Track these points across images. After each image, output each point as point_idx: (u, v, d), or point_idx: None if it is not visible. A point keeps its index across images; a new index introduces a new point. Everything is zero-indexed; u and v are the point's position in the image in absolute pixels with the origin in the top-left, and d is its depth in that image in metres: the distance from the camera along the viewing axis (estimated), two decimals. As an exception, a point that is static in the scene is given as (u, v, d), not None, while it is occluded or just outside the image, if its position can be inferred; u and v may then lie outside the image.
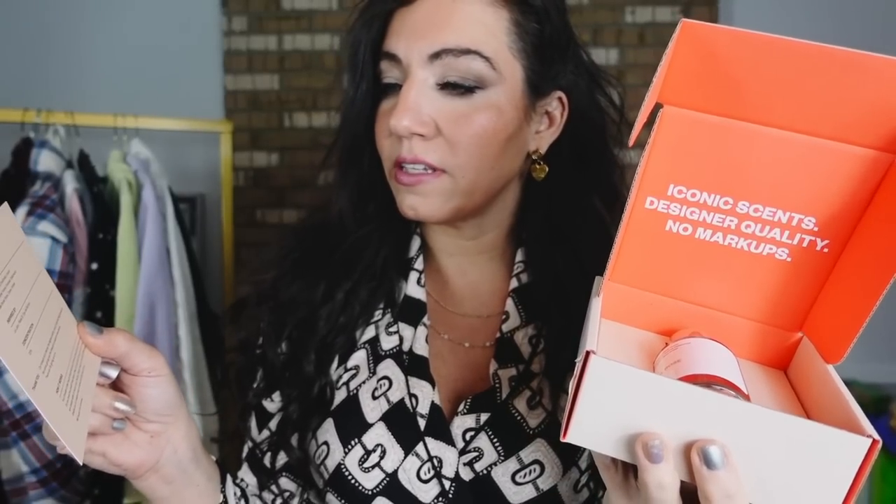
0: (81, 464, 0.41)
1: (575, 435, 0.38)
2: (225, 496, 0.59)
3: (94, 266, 1.53)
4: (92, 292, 1.53)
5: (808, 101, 0.37)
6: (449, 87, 0.56)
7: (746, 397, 0.37)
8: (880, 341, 2.14)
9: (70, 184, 1.52)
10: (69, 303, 1.48)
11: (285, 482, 0.68)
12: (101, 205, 1.58)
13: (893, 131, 0.36)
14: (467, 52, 0.55)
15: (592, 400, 0.37)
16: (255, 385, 0.69)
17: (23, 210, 1.42)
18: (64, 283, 1.45)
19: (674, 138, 0.40)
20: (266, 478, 0.67)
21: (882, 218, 0.38)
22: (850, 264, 0.40)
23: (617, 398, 0.36)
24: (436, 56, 0.55)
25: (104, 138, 1.67)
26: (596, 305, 0.45)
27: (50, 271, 1.41)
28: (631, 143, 0.41)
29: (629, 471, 0.41)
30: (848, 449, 0.33)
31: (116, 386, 0.48)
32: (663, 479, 0.35)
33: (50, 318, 0.42)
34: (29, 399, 1.34)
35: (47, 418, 0.37)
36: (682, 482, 0.37)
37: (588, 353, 0.36)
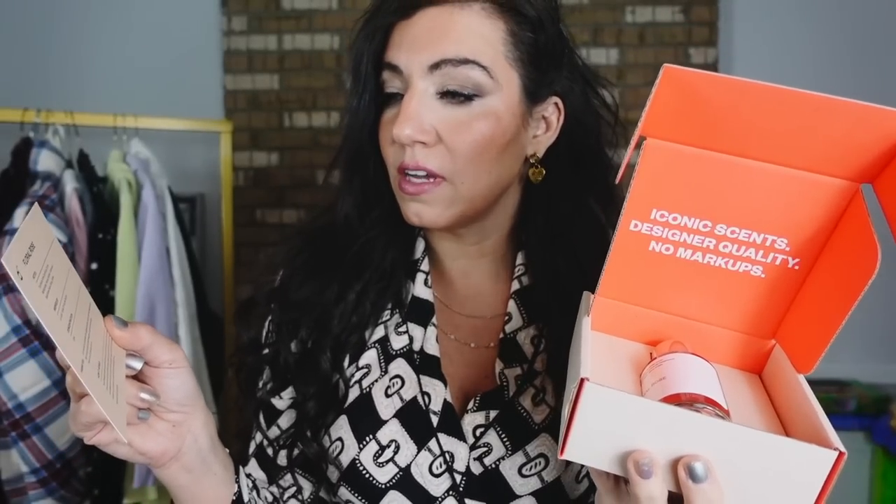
0: (126, 441, 0.45)
1: (572, 452, 0.41)
2: (239, 485, 0.61)
3: (94, 266, 1.53)
4: (92, 292, 1.51)
5: (781, 137, 0.41)
6: (448, 95, 0.58)
7: (726, 412, 0.40)
8: (880, 341, 2.14)
9: (70, 183, 1.52)
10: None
11: (296, 476, 0.69)
12: (101, 205, 1.58)
13: (858, 163, 0.40)
14: (465, 62, 0.57)
15: (587, 422, 0.40)
16: (262, 383, 0.71)
17: (22, 210, 1.42)
18: (64, 283, 1.44)
19: (656, 167, 0.44)
20: (275, 472, 0.69)
21: (848, 241, 0.42)
22: (820, 281, 0.44)
23: (609, 420, 0.40)
24: (435, 66, 0.57)
25: (104, 138, 1.68)
26: (586, 325, 0.48)
27: (50, 271, 1.41)
28: (618, 179, 0.44)
29: (620, 478, 0.44)
30: (816, 461, 0.37)
31: (139, 378, 0.50)
32: (653, 493, 0.39)
33: (83, 310, 0.45)
34: (29, 399, 1.35)
35: (96, 398, 0.40)
36: (669, 492, 0.40)
37: (582, 381, 0.39)
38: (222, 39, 2.23)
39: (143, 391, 0.49)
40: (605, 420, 0.39)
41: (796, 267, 0.45)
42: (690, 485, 0.38)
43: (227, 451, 0.62)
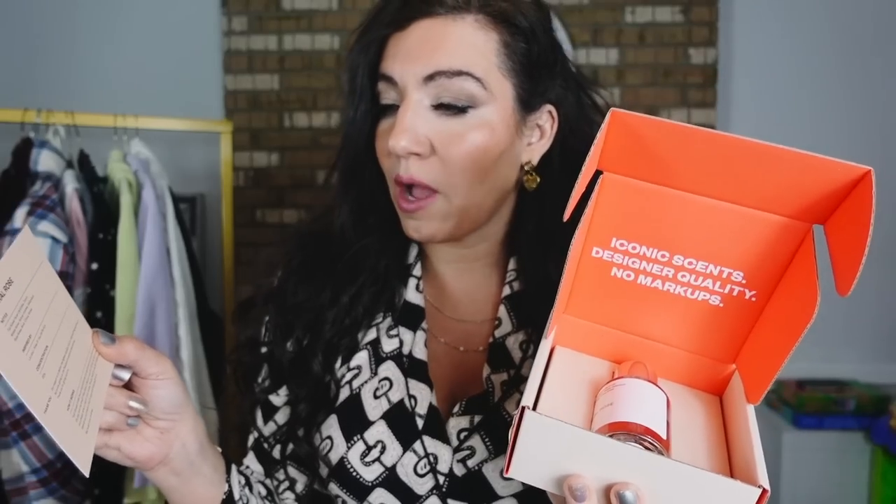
0: (88, 476, 0.44)
1: (515, 472, 0.43)
2: (230, 484, 0.64)
3: (94, 266, 1.53)
4: (92, 292, 1.53)
5: (730, 179, 0.42)
6: (443, 107, 0.59)
7: (665, 444, 0.42)
8: (880, 341, 2.14)
9: (70, 184, 1.52)
10: (69, 303, 1.48)
11: (290, 470, 0.72)
12: (101, 205, 1.58)
13: (806, 205, 0.41)
14: (459, 73, 0.58)
15: (528, 446, 0.42)
16: (260, 380, 0.73)
17: (23, 210, 1.42)
18: (64, 283, 1.44)
19: (613, 199, 0.46)
20: (272, 466, 0.72)
21: (796, 281, 0.43)
22: (773, 314, 0.45)
23: (548, 446, 0.41)
24: (430, 78, 0.58)
25: (104, 138, 1.67)
26: (543, 347, 0.49)
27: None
28: (566, 217, 0.43)
29: None
30: (741, 497, 0.38)
31: (128, 387, 0.53)
32: None
33: (65, 335, 0.45)
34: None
35: (58, 441, 0.41)
36: None
37: (523, 409, 0.41)
38: (222, 39, 2.23)
39: (132, 399, 0.51)
40: (544, 445, 0.41)
41: (753, 298, 0.46)
42: None
43: (220, 450, 0.64)
